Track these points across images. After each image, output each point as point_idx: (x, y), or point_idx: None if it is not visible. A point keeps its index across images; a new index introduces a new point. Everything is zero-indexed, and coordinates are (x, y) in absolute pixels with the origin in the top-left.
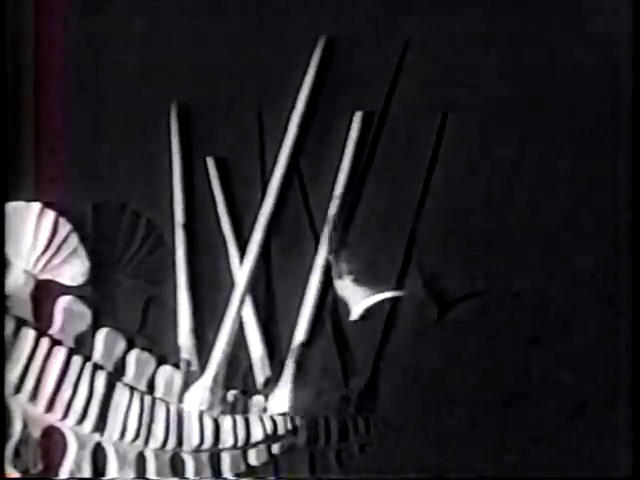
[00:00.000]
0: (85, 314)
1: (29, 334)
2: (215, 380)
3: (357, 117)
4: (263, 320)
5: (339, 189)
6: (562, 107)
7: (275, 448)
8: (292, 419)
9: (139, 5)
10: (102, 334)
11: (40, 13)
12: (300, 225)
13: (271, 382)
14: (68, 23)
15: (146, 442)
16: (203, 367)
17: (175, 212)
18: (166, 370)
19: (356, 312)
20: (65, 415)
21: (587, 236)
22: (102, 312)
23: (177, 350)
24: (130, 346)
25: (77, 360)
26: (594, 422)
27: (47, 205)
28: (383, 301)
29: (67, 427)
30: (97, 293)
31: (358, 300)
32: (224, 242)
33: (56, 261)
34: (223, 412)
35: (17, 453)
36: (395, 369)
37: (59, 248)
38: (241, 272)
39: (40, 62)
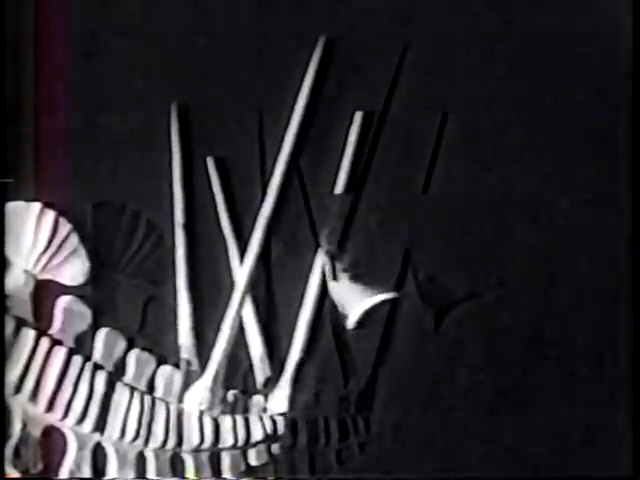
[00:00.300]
0: (85, 314)
1: (29, 334)
2: (215, 380)
3: (357, 117)
4: (263, 320)
5: (339, 189)
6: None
7: (275, 448)
8: (292, 419)
9: (139, 5)
10: (102, 334)
11: (40, 13)
12: (300, 225)
13: (271, 382)
14: (68, 23)
15: (146, 442)
16: (203, 367)
17: (175, 212)
18: (166, 370)
19: (354, 317)
20: (65, 415)
21: (587, 234)
22: (102, 312)
23: (177, 350)
24: (130, 346)
25: (77, 360)
26: (594, 422)
27: (47, 205)
28: (382, 303)
29: (67, 427)
30: (97, 293)
31: (355, 302)
32: (224, 242)
33: (56, 261)
34: (223, 412)
35: (17, 453)
36: (396, 370)
37: (59, 248)
38: (241, 272)
39: (40, 62)
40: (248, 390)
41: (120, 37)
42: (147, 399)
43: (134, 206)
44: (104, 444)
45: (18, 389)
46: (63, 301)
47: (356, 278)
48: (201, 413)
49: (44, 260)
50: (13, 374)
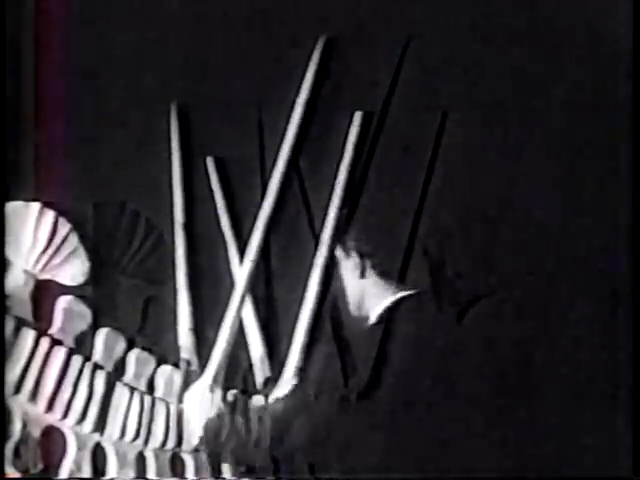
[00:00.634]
0: (85, 314)
1: (29, 334)
2: (215, 380)
3: (357, 117)
4: (263, 320)
5: (339, 189)
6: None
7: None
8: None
9: (139, 6)
10: (102, 334)
11: (40, 13)
12: (300, 225)
13: (271, 382)
14: (68, 23)
15: (146, 442)
16: (203, 367)
17: (175, 212)
18: (166, 370)
19: (376, 312)
20: (65, 415)
21: (587, 233)
22: (102, 312)
23: (177, 350)
24: (130, 346)
25: (77, 360)
26: (594, 422)
27: (47, 205)
28: (402, 299)
29: (67, 427)
30: (97, 293)
31: (379, 298)
32: (224, 242)
33: (56, 261)
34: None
35: (17, 453)
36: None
37: (59, 248)
38: (241, 272)
39: (40, 62)
40: (248, 390)
41: (120, 37)
42: (147, 399)
43: (134, 206)
44: (104, 444)
45: (18, 389)
46: (63, 301)
47: (383, 275)
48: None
49: (44, 260)
50: (13, 374)
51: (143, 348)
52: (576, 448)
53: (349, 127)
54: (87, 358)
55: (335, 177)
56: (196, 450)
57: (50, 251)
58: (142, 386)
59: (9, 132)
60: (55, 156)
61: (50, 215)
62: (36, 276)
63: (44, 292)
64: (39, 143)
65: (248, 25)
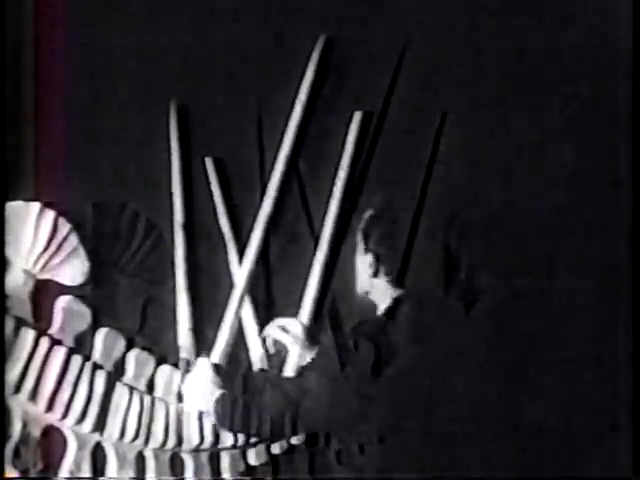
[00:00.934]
0: (85, 314)
1: (29, 334)
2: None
3: (356, 117)
4: (263, 320)
5: (338, 189)
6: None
7: (275, 448)
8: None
9: (138, 6)
10: (102, 334)
11: (40, 14)
12: (300, 225)
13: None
14: (68, 24)
15: (146, 442)
16: None
17: (175, 212)
18: (165, 370)
19: (383, 305)
20: (65, 415)
21: (587, 233)
22: (102, 312)
23: (176, 350)
24: (130, 346)
25: (77, 360)
26: (594, 422)
27: (47, 205)
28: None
29: (67, 427)
30: (97, 293)
31: (387, 296)
32: (223, 242)
33: (56, 261)
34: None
35: (17, 453)
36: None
37: (59, 248)
38: (240, 272)
39: (40, 62)
40: (248, 386)
41: (120, 38)
42: (147, 399)
43: (134, 206)
44: (104, 444)
45: (18, 389)
46: (63, 301)
47: (393, 276)
48: (201, 413)
49: (44, 260)
50: (13, 374)
51: (143, 348)
52: (576, 448)
53: (349, 127)
54: (87, 358)
55: (334, 177)
56: (196, 450)
57: (50, 251)
58: (142, 386)
59: (9, 132)
60: (55, 156)
61: (50, 215)
62: (36, 276)
63: (44, 292)
64: (39, 143)
65: (248, 25)
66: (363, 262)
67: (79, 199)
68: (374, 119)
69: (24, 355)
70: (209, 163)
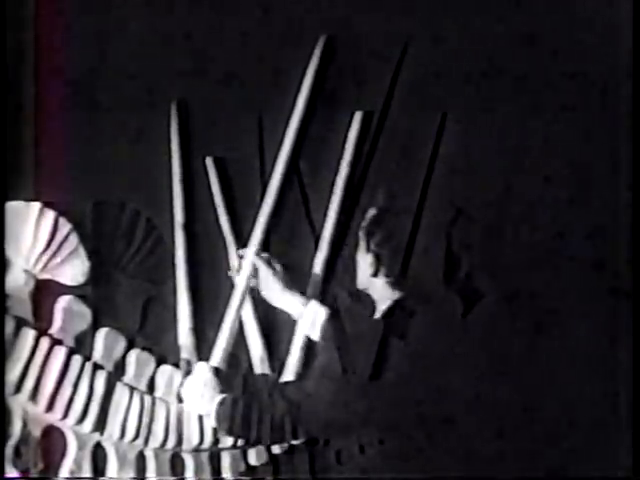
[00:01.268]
0: (85, 314)
1: (29, 334)
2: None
3: (357, 117)
4: (263, 320)
5: (339, 189)
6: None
7: (275, 448)
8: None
9: (139, 5)
10: (102, 334)
11: (40, 13)
12: (300, 225)
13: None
14: (68, 23)
15: (146, 442)
16: None
17: (175, 212)
18: (166, 370)
19: (382, 307)
20: (65, 415)
21: (587, 232)
22: (102, 312)
23: (177, 350)
24: (130, 346)
25: (77, 360)
26: (594, 422)
27: (47, 205)
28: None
29: (67, 427)
30: (97, 293)
31: (387, 297)
32: (224, 242)
33: (56, 261)
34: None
35: (17, 452)
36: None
37: (59, 248)
38: (241, 272)
39: (40, 62)
40: (248, 389)
41: (120, 37)
42: (147, 399)
43: (134, 206)
44: (104, 444)
45: (18, 389)
46: (63, 301)
47: (394, 282)
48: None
49: (44, 260)
50: (13, 374)
51: (143, 348)
52: (576, 448)
53: (349, 127)
54: (87, 358)
55: (335, 177)
56: (196, 450)
57: (50, 251)
58: (142, 386)
59: (9, 132)
60: (55, 156)
61: (50, 215)
62: (36, 276)
63: (44, 292)
64: (39, 143)
65: (248, 25)
66: (364, 260)
67: (79, 199)
68: (375, 119)
69: (24, 355)
70: (209, 163)
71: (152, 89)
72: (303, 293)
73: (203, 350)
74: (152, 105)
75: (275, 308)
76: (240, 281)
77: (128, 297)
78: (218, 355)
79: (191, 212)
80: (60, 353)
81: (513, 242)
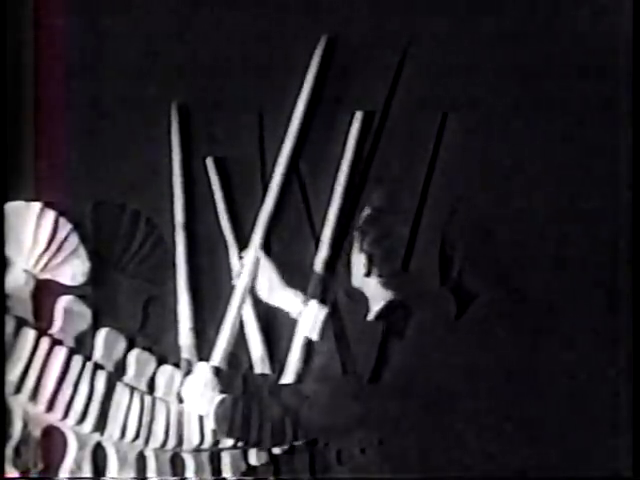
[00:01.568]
0: (85, 314)
1: (29, 334)
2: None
3: (357, 117)
4: (263, 320)
5: (339, 189)
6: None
7: (275, 448)
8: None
9: (139, 5)
10: (102, 334)
11: (40, 13)
12: (300, 225)
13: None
14: (68, 23)
15: (146, 442)
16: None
17: (175, 212)
18: (166, 370)
19: (375, 308)
20: (65, 415)
21: (587, 232)
22: (102, 312)
23: (177, 350)
24: (130, 346)
25: (77, 360)
26: (594, 422)
27: (47, 205)
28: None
29: (67, 427)
30: (97, 293)
31: (380, 297)
32: (224, 242)
33: (56, 261)
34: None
35: (17, 453)
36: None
37: (59, 248)
38: (241, 272)
39: (40, 62)
40: (248, 390)
41: (120, 37)
42: (147, 399)
43: (134, 206)
44: (104, 444)
45: (18, 389)
46: (63, 301)
47: (386, 282)
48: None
49: (44, 260)
50: (13, 374)
51: (143, 348)
52: (576, 448)
53: (349, 127)
54: (87, 358)
55: (336, 177)
56: (196, 450)
57: (50, 251)
58: (142, 386)
59: (9, 132)
60: (55, 156)
61: (50, 215)
62: (36, 276)
63: (44, 292)
64: (39, 143)
65: (248, 25)
66: (358, 260)
67: (79, 199)
68: (376, 119)
69: (25, 355)
70: (210, 163)
71: (153, 89)
72: (303, 292)
73: (203, 350)
74: (152, 105)
75: (275, 308)
76: (240, 281)
77: (128, 297)
78: (218, 355)
79: (191, 212)
80: (60, 353)
81: (512, 242)
